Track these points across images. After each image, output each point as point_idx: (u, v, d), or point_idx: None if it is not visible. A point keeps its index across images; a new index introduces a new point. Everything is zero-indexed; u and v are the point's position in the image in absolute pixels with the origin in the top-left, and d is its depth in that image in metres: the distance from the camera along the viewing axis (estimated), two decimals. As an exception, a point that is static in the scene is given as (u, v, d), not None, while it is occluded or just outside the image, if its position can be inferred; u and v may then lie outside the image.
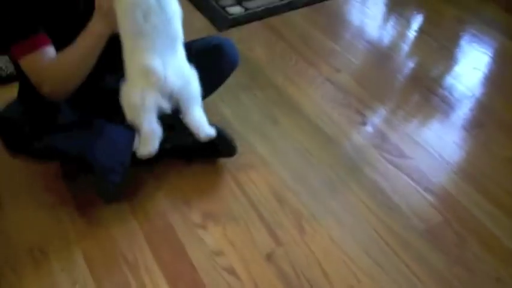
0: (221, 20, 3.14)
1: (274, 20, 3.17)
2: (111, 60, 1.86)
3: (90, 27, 1.73)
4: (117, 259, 1.88)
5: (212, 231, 1.96)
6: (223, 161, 2.22)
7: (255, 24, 3.14)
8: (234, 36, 2.98)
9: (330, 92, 2.62)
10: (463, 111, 2.52)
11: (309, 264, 1.86)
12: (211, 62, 2.08)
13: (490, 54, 2.93)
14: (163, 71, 1.63)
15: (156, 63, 1.61)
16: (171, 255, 1.90)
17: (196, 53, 2.02)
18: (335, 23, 3.22)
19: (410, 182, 2.15)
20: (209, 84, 2.13)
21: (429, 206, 2.05)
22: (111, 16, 1.66)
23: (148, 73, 1.60)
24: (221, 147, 2.14)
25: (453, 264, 1.85)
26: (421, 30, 3.13)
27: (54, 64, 1.75)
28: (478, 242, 1.92)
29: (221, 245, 1.92)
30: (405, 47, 3.02)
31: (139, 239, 1.94)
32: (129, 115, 1.70)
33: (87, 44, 1.75)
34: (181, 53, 1.73)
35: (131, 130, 1.85)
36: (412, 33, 3.12)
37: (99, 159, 1.93)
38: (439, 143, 2.33)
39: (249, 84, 2.24)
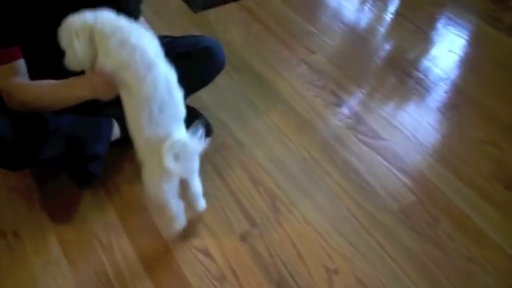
0: (196, 1, 3.11)
1: (250, 1, 3.16)
2: None
3: (75, 90, 1.72)
4: (91, 241, 1.88)
5: (187, 213, 1.95)
6: (198, 142, 2.21)
7: (231, 6, 3.12)
8: (210, 18, 2.98)
9: (305, 74, 2.62)
10: (438, 94, 2.53)
11: (283, 244, 1.86)
12: (201, 64, 2.09)
13: (465, 37, 2.94)
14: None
15: (173, 164, 1.58)
16: (145, 236, 1.89)
17: (186, 53, 2.03)
18: (311, 5, 3.21)
19: (385, 163, 2.16)
20: (197, 85, 2.15)
21: (403, 186, 2.07)
22: (101, 94, 1.67)
23: (167, 172, 1.60)
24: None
25: (425, 243, 1.87)
26: (398, 13, 3.14)
27: (27, 87, 1.75)
28: (450, 222, 1.94)
29: (196, 226, 1.91)
30: (382, 30, 3.02)
31: (114, 221, 1.93)
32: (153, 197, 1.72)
33: (65, 97, 1.75)
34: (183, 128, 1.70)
35: (109, 120, 1.85)
36: (388, 16, 3.13)
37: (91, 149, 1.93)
38: (414, 125, 2.34)
39: (226, 66, 2.23)
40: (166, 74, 1.61)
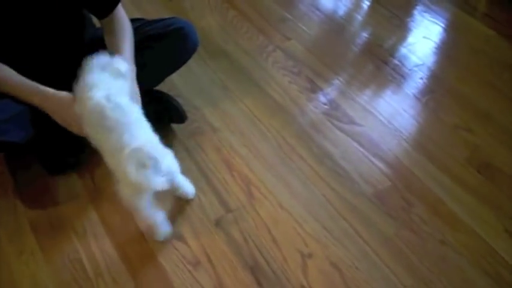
0: (172, -12, 3.08)
1: (227, -12, 3.14)
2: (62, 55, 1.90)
3: (34, 99, 1.73)
4: (65, 228, 1.86)
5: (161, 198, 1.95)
6: (172, 128, 2.20)
7: (207, -7, 3.10)
8: (185, 5, 2.96)
9: (281, 60, 2.61)
10: (414, 80, 2.53)
11: (258, 229, 1.86)
12: (173, 46, 2.06)
13: (441, 24, 2.95)
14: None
15: (139, 175, 1.52)
16: (119, 222, 1.88)
17: (158, 36, 2.02)
18: (288, -8, 3.20)
19: (360, 148, 2.16)
20: (170, 67, 2.14)
21: (378, 171, 2.07)
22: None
23: (136, 184, 1.54)
24: (172, 113, 2.13)
25: (400, 227, 1.87)
26: (375, 1, 3.13)
27: None
28: (424, 207, 1.95)
29: (170, 212, 1.90)
30: (359, 18, 3.02)
31: (88, 207, 1.92)
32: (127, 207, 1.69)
33: (19, 93, 1.73)
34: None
35: None
36: (365, 4, 3.12)
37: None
38: (390, 111, 2.35)
39: (200, 52, 2.22)
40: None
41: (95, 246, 1.81)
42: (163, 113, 2.05)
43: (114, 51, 1.84)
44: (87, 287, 1.71)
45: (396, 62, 2.64)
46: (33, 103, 1.74)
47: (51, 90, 1.73)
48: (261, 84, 2.46)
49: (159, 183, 1.56)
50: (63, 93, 1.74)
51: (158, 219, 1.78)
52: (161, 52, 2.02)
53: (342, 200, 1.96)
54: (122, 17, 1.96)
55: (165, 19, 2.08)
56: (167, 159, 1.62)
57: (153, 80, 2.14)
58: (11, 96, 1.74)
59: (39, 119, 1.80)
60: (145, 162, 1.51)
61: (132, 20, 2.11)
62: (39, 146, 1.92)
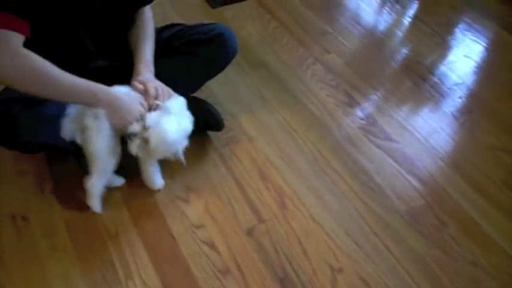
0: (216, -3, 3.12)
1: (268, -1, 3.17)
2: (102, 48, 1.91)
3: (97, 95, 1.74)
4: (99, 229, 1.89)
5: (194, 205, 1.97)
6: (209, 136, 2.22)
7: (248, 3, 3.12)
8: (227, 14, 2.98)
9: (320, 73, 2.62)
10: (452, 99, 2.52)
11: (289, 241, 1.86)
12: (213, 51, 2.08)
13: (482, 42, 2.93)
14: None
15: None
16: (152, 226, 1.90)
17: (198, 41, 2.04)
18: (330, 5, 3.20)
19: (395, 164, 2.15)
20: (209, 73, 2.16)
21: (412, 189, 2.06)
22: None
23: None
24: (210, 121, 2.15)
25: (431, 246, 1.86)
26: (416, 17, 3.12)
27: (23, 60, 1.62)
28: (457, 227, 1.93)
29: (202, 219, 1.92)
30: (399, 34, 3.01)
31: (121, 211, 1.95)
32: None
33: (72, 89, 1.70)
34: None
35: None
36: (406, 20, 3.11)
37: None
38: (427, 129, 2.33)
39: (239, 61, 2.24)
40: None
41: (126, 248, 1.84)
42: (200, 120, 2.07)
43: (133, 48, 1.93)
44: (117, 287, 1.73)
45: (435, 79, 2.63)
46: (93, 101, 1.73)
47: (106, 88, 1.76)
48: (299, 96, 2.47)
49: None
50: (120, 93, 1.78)
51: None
52: (201, 57, 2.04)
53: (374, 216, 1.95)
54: (149, 18, 2.01)
55: (206, 24, 2.11)
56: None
57: (192, 86, 2.16)
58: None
59: None
60: None
61: (173, 25, 2.14)
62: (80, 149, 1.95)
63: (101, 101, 1.73)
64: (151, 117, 1.76)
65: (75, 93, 1.70)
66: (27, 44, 1.61)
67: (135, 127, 1.75)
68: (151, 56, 1.94)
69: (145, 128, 1.75)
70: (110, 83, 1.78)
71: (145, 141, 1.74)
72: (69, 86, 1.68)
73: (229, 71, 2.19)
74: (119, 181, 2.01)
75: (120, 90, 1.79)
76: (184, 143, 1.84)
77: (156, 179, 1.99)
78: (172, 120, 1.78)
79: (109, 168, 1.86)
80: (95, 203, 1.89)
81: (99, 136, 1.77)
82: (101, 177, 1.85)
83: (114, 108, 1.75)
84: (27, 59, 1.60)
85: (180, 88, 1.92)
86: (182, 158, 1.83)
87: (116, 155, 1.86)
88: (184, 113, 1.86)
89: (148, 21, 2.00)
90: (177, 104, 1.85)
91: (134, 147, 1.77)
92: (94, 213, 1.91)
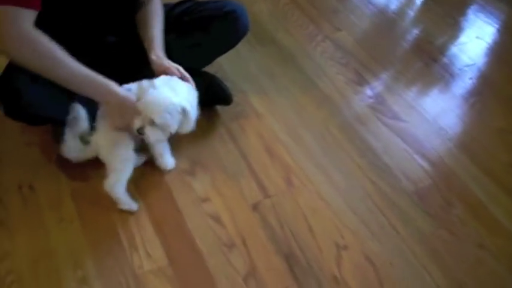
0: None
1: (280, -24, 3.13)
2: (112, 24, 1.91)
3: (98, 90, 1.73)
4: (105, 200, 1.87)
5: (200, 179, 1.96)
6: (217, 111, 2.22)
7: (260, -22, 3.10)
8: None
9: (329, 50, 2.60)
10: (463, 80, 2.50)
11: (295, 217, 1.86)
12: (225, 28, 2.07)
13: (494, 24, 2.90)
14: None
15: None
16: (158, 199, 1.90)
17: (210, 17, 2.03)
18: (341, -17, 3.18)
19: (403, 144, 2.14)
20: (220, 49, 2.15)
21: (420, 169, 2.05)
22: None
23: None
24: (219, 95, 2.14)
25: (438, 227, 1.86)
26: (428, -3, 3.10)
27: (46, 43, 1.64)
28: (464, 208, 1.92)
29: (208, 193, 1.92)
30: (411, 14, 2.98)
31: (128, 183, 1.92)
32: None
33: (82, 82, 1.71)
34: None
35: None
36: (419, 0, 3.08)
37: None
38: (436, 110, 2.32)
39: (249, 37, 2.21)
40: None
41: (131, 219, 1.84)
42: (209, 94, 2.06)
43: (143, 30, 1.91)
44: (122, 259, 1.73)
45: (446, 60, 2.61)
46: (101, 98, 1.77)
47: (117, 88, 1.75)
48: (308, 73, 2.45)
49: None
50: (129, 94, 1.76)
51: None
52: (212, 34, 2.03)
53: (381, 195, 1.94)
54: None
55: (218, 1, 2.09)
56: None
57: (202, 61, 2.16)
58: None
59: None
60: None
61: (185, 1, 2.12)
62: None
63: (109, 100, 1.76)
64: (142, 100, 1.74)
65: (87, 85, 1.71)
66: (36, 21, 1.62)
67: (137, 122, 1.74)
68: (163, 39, 1.93)
69: (143, 113, 1.73)
70: (119, 58, 1.78)
71: (151, 122, 1.73)
72: (83, 77, 1.69)
73: (239, 47, 2.17)
74: (141, 160, 2.00)
75: (131, 88, 1.80)
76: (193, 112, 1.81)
77: (167, 159, 1.98)
78: (162, 90, 1.74)
79: (128, 166, 1.86)
80: (126, 203, 1.86)
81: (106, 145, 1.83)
82: (119, 176, 1.84)
83: (118, 109, 1.77)
84: (39, 42, 1.62)
85: (189, 64, 1.91)
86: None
87: (130, 152, 1.86)
88: (179, 83, 1.83)
89: (157, 2, 1.99)
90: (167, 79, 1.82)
91: (151, 137, 1.76)
92: (100, 184, 1.90)
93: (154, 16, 1.94)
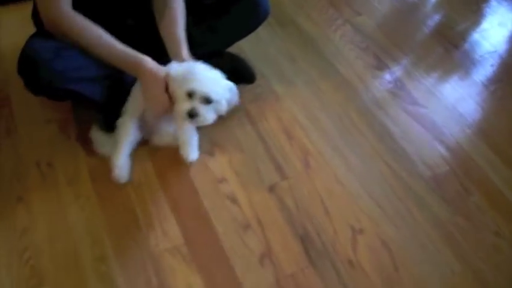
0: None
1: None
2: (131, 7, 1.92)
3: (130, 64, 1.77)
4: (122, 178, 1.90)
5: (218, 159, 1.97)
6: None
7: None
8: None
9: (349, 34, 2.59)
10: (483, 67, 2.47)
11: (311, 200, 1.86)
12: (244, 12, 2.06)
13: (517, 11, 2.87)
14: None
15: None
16: (175, 179, 1.91)
17: (231, 1, 2.02)
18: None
19: (421, 130, 2.13)
20: (240, 33, 2.15)
21: (437, 155, 2.04)
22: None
23: None
24: (242, 73, 2.15)
25: (455, 213, 1.85)
26: (450, -17, 3.06)
27: (79, 21, 1.74)
28: (482, 196, 1.92)
29: (226, 173, 1.92)
30: (432, -1, 2.96)
31: (146, 162, 1.95)
32: None
33: (115, 56, 1.77)
34: None
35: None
36: (440, -15, 3.06)
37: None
38: (455, 96, 2.30)
39: (270, 20, 2.20)
40: None
41: (148, 198, 1.85)
42: (232, 72, 2.06)
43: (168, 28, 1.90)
44: (138, 237, 1.75)
45: (467, 47, 2.58)
46: (131, 73, 1.81)
47: (150, 64, 1.77)
48: (328, 57, 2.44)
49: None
50: (161, 70, 1.78)
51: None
52: (232, 18, 2.03)
53: (398, 180, 1.94)
54: None
55: None
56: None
57: (223, 44, 2.15)
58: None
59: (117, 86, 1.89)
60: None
61: None
62: (106, 105, 1.95)
63: (142, 72, 1.78)
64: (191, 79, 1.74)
65: (122, 58, 1.77)
66: None
67: (187, 104, 1.74)
68: (185, 35, 1.93)
69: (196, 93, 1.73)
70: (139, 42, 1.79)
71: (206, 101, 1.74)
72: (119, 51, 1.76)
73: (259, 29, 2.16)
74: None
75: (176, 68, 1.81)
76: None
77: (193, 151, 1.96)
78: (208, 69, 1.78)
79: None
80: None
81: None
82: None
83: (150, 86, 1.80)
84: (77, 21, 1.72)
85: (209, 47, 1.91)
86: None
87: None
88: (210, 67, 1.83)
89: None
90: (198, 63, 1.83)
91: (206, 116, 1.76)
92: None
93: (180, 15, 1.93)
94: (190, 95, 1.72)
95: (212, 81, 1.74)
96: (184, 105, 1.73)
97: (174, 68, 1.78)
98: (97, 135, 1.96)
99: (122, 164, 1.85)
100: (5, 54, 2.36)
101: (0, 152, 1.97)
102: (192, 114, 1.73)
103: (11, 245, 1.71)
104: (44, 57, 1.69)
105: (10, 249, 1.70)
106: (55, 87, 1.74)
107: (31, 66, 1.71)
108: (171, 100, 1.81)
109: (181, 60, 1.83)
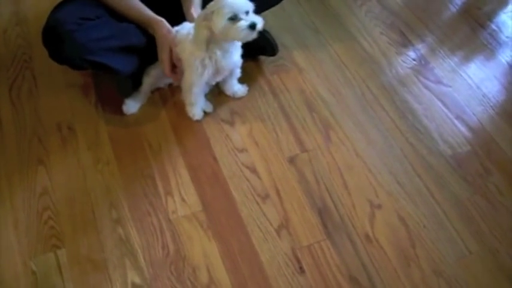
0: None
1: None
2: None
3: (150, 24, 1.85)
4: (142, 144, 1.91)
5: (238, 129, 1.97)
6: (259, 63, 2.21)
7: None
8: None
9: (375, 10, 2.56)
10: (509, 48, 2.44)
11: (331, 173, 1.86)
12: None
13: (547, -6, 2.82)
14: None
15: None
16: (195, 146, 1.91)
17: None
18: None
19: (444, 108, 2.11)
20: (265, 4, 2.11)
21: (459, 134, 2.02)
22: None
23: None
24: (265, 45, 2.13)
25: (474, 193, 1.84)
26: (480, -38, 3.01)
27: None
28: (503, 177, 1.90)
29: (246, 143, 1.92)
30: (460, -23, 2.92)
31: (166, 128, 1.96)
32: None
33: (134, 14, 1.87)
34: None
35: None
36: (469, -36, 3.01)
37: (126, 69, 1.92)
38: (480, 76, 2.27)
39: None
40: None
41: (168, 164, 1.86)
42: (255, 44, 2.05)
43: None
44: (156, 203, 1.76)
45: (494, 27, 2.55)
46: (147, 26, 1.87)
47: (162, 29, 1.83)
48: (352, 31, 2.42)
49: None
50: (170, 36, 1.83)
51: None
52: None
53: (418, 157, 1.93)
54: None
55: None
56: None
57: None
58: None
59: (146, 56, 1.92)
60: None
61: None
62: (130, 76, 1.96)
63: (156, 30, 1.84)
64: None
65: (140, 17, 1.86)
66: None
67: (244, 21, 1.70)
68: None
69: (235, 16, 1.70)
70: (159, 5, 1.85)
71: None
72: (136, 11, 1.87)
73: (284, 1, 2.15)
74: (209, 107, 2.03)
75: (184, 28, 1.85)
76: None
77: (240, 86, 2.06)
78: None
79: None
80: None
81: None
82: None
83: (159, 49, 1.86)
84: None
85: None
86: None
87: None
88: None
89: None
90: None
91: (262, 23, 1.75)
92: (138, 128, 1.93)
93: None
94: (233, 18, 1.69)
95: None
96: (240, 24, 1.69)
97: (180, 33, 1.84)
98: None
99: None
100: (28, 16, 2.36)
101: (22, 113, 1.99)
102: (252, 25, 1.69)
103: (31, 205, 1.73)
104: (68, 28, 1.71)
105: (30, 209, 1.72)
106: (78, 59, 1.75)
107: (55, 39, 1.72)
108: (174, 69, 1.88)
109: (191, 18, 1.86)
